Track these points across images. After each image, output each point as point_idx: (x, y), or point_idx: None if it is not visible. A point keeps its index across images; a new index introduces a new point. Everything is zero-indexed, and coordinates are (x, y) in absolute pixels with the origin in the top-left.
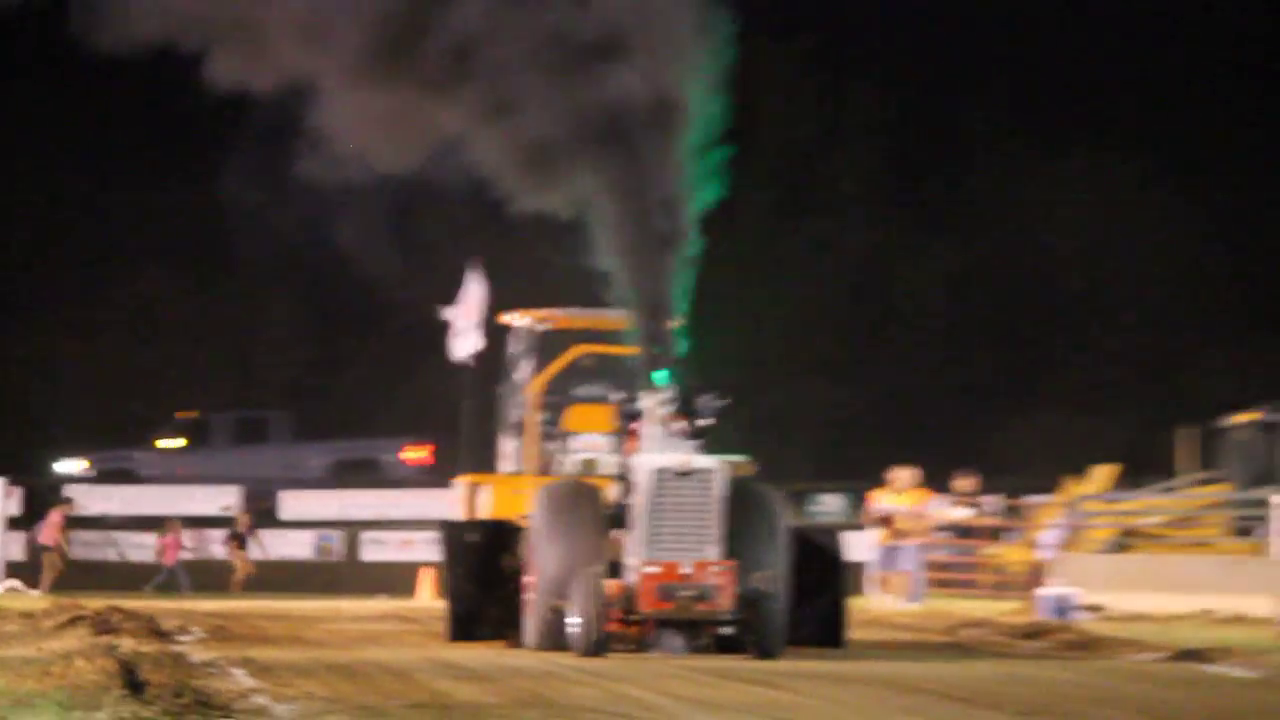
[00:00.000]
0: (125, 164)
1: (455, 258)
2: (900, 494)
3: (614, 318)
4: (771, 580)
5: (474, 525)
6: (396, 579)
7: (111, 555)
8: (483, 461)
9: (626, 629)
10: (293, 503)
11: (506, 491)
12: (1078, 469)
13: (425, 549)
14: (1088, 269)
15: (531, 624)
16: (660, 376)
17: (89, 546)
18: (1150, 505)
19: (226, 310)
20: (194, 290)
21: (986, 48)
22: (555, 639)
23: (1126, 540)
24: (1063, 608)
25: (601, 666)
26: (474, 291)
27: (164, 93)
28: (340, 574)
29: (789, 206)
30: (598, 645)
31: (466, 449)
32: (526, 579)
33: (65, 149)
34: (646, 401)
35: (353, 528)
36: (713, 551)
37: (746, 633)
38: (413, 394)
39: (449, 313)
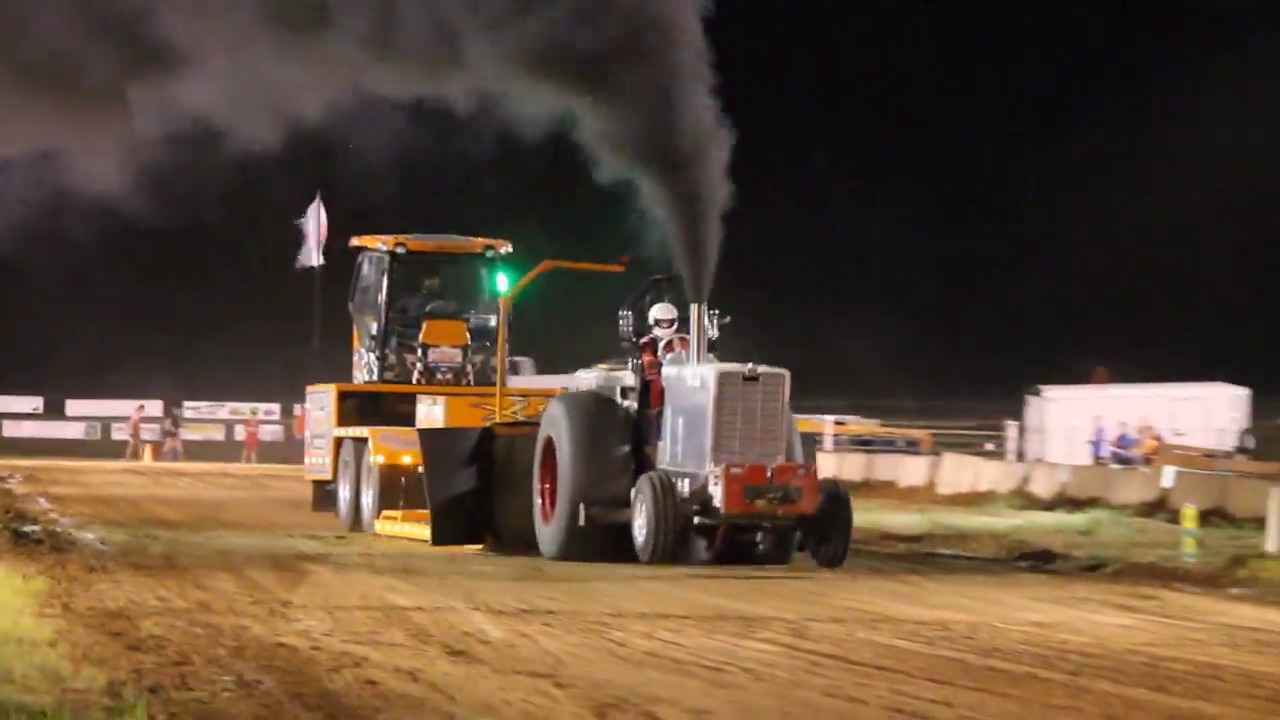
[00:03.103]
0: None
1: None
2: None
3: (458, 242)
4: (841, 483)
5: (459, 433)
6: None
7: None
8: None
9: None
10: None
11: (461, 403)
12: None
13: (146, 431)
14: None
15: (552, 531)
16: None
17: None
18: None
19: None
20: None
21: None
22: (583, 545)
23: None
24: None
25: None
26: (316, 216)
27: None
28: (98, 447)
29: None
30: (666, 548)
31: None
32: (543, 486)
33: None
34: (668, 316)
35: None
36: (781, 456)
37: (814, 536)
38: None
39: (304, 225)
